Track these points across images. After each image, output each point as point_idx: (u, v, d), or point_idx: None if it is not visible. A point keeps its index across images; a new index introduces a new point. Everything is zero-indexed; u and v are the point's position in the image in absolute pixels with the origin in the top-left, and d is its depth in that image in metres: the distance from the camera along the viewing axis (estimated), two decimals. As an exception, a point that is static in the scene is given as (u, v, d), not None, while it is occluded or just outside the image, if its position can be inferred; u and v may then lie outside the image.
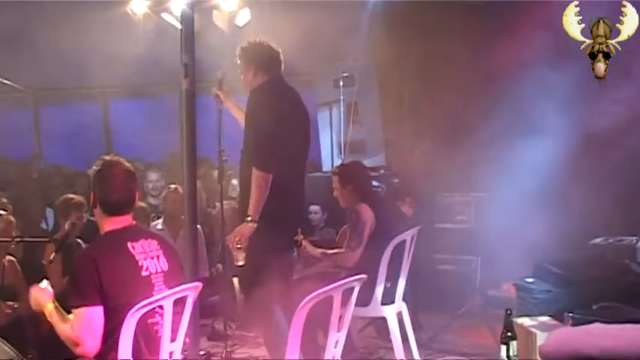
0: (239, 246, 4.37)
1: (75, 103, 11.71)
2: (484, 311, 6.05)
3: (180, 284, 3.22)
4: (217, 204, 6.36)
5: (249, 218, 4.34)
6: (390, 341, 4.99)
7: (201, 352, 5.33)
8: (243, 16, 8.18)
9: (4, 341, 4.29)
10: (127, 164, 3.46)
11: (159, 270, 3.31)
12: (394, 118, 8.27)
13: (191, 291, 3.17)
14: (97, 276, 3.09)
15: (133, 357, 3.01)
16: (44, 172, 10.48)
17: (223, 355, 5.55)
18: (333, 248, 5.39)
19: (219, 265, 6.81)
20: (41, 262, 5.37)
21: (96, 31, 8.40)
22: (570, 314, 4.12)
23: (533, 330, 3.88)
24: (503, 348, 3.80)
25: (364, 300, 4.80)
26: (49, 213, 7.65)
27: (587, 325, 3.37)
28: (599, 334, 2.85)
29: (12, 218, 5.63)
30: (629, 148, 5.74)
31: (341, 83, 7.59)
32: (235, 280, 6.04)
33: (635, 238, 5.31)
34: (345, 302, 3.27)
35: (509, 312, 3.83)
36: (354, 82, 7.87)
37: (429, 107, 7.70)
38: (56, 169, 10.38)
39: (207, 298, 6.06)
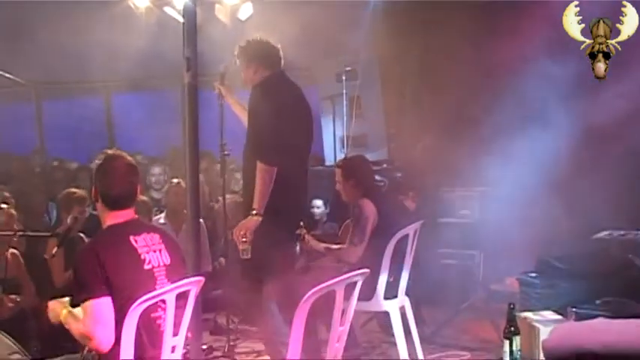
0: (244, 239, 4.38)
1: (77, 96, 11.70)
2: (487, 306, 6.04)
3: (183, 278, 3.22)
4: (220, 198, 6.36)
5: (254, 212, 4.35)
6: (393, 336, 4.98)
7: (204, 347, 5.33)
8: (246, 10, 8.16)
9: (7, 335, 4.28)
10: (129, 158, 3.46)
11: (161, 264, 3.31)
12: (397, 112, 8.27)
13: (193, 285, 3.16)
14: (101, 269, 3.09)
15: (135, 351, 3.01)
16: (47, 166, 10.48)
17: (226, 350, 5.56)
18: (335, 242, 5.39)
19: (222, 259, 6.81)
20: (43, 256, 5.37)
21: (98, 24, 8.39)
22: (574, 309, 4.11)
23: (536, 325, 3.87)
24: (507, 343, 3.80)
25: (367, 294, 4.80)
26: (52, 207, 7.65)
27: (590, 320, 3.36)
28: (603, 329, 2.84)
29: (13, 211, 5.63)
30: (633, 142, 5.73)
31: (343, 77, 7.57)
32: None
33: (638, 232, 5.30)
34: (347, 296, 3.27)
35: (512, 306, 3.83)
36: (356, 76, 7.85)
37: (431, 101, 7.69)
38: (59, 163, 10.38)
39: (209, 292, 6.05)
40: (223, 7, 8.13)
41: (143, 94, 11.52)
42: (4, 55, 8.98)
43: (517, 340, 3.81)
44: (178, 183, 6.67)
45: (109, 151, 3.49)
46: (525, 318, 4.00)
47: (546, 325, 3.82)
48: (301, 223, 4.85)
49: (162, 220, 6.76)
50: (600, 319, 3.50)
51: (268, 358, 4.81)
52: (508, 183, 5.74)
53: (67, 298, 3.30)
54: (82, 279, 3.13)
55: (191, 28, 4.42)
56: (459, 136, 6.74)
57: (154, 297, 2.98)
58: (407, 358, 4.94)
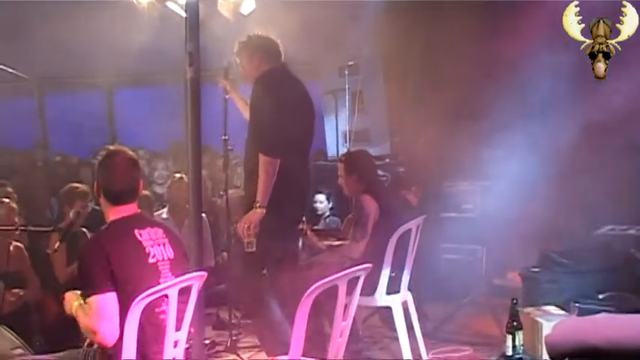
0: (249, 232, 4.39)
1: (79, 91, 11.69)
2: (489, 301, 6.04)
3: (186, 273, 3.22)
4: (222, 192, 6.36)
5: (258, 204, 4.36)
6: (395, 330, 4.98)
7: (206, 341, 5.33)
8: (248, 5, 8.13)
9: (10, 330, 4.29)
10: (130, 153, 3.47)
11: (165, 258, 3.32)
12: (399, 107, 8.24)
13: (196, 280, 3.16)
14: (106, 263, 3.09)
15: (138, 346, 3.01)
16: (49, 161, 10.49)
17: (228, 344, 5.56)
18: (338, 237, 5.39)
19: (225, 254, 6.81)
20: (46, 250, 5.38)
21: (100, 19, 8.38)
22: (576, 304, 4.12)
23: (539, 320, 3.87)
24: (509, 337, 3.81)
25: (369, 289, 4.80)
26: (54, 202, 7.66)
27: (593, 315, 3.36)
28: (606, 324, 2.84)
29: (14, 205, 5.64)
30: (634, 137, 5.72)
31: (346, 72, 7.57)
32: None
33: (641, 227, 5.30)
34: (350, 291, 3.26)
35: (515, 301, 3.83)
36: (358, 71, 7.84)
37: (433, 96, 7.67)
38: (61, 158, 10.39)
39: (212, 287, 6.05)
40: (226, 1, 8.09)
41: (145, 89, 11.51)
42: (6, 50, 8.97)
43: (520, 335, 3.82)
44: (181, 178, 6.67)
45: (111, 147, 3.50)
46: (528, 313, 4.01)
47: (549, 320, 3.82)
48: (303, 218, 4.85)
49: (164, 215, 6.76)
50: (603, 314, 3.50)
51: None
52: (510, 177, 5.74)
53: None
54: (87, 274, 3.14)
55: (193, 23, 4.42)
56: (462, 130, 6.73)
57: (156, 292, 2.98)
58: (409, 353, 4.94)
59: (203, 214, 5.22)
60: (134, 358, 2.99)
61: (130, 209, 3.38)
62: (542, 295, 4.47)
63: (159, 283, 3.13)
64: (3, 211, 5.44)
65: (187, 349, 3.50)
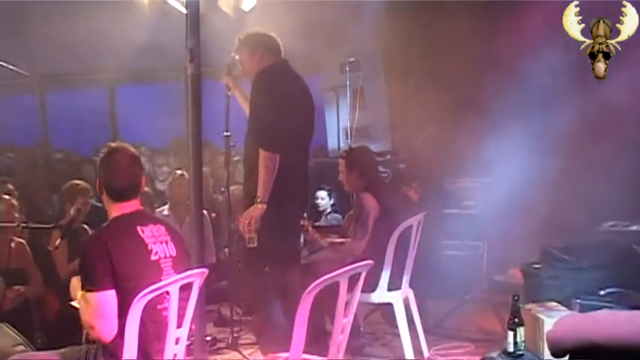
0: (251, 228, 4.39)
1: (81, 88, 11.70)
2: (491, 297, 6.04)
3: (187, 270, 3.22)
4: (223, 189, 6.35)
5: (259, 200, 4.36)
6: (397, 327, 4.98)
7: (208, 338, 5.33)
8: (249, 1, 8.13)
9: (12, 327, 4.30)
10: (132, 149, 3.47)
11: (167, 255, 3.32)
12: (400, 103, 8.24)
13: (197, 277, 3.16)
14: (109, 259, 3.10)
15: (140, 343, 3.02)
16: (50, 158, 10.49)
17: (229, 341, 5.56)
18: (339, 234, 5.39)
19: (226, 250, 6.81)
20: (47, 247, 5.38)
21: (101, 16, 8.37)
22: (578, 300, 4.11)
23: (540, 316, 3.86)
24: (511, 334, 3.81)
25: (371, 286, 4.80)
26: (56, 199, 7.66)
27: (595, 312, 3.35)
28: (608, 321, 2.83)
29: (14, 201, 5.64)
30: (635, 133, 5.71)
31: (347, 68, 7.56)
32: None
33: (643, 223, 5.29)
34: (351, 288, 3.26)
35: (516, 298, 3.83)
36: (360, 67, 7.83)
37: (435, 92, 7.67)
38: (63, 155, 10.40)
39: (214, 283, 6.05)
40: (226, -3, 8.10)
41: (147, 86, 11.51)
42: (8, 48, 8.97)
43: (521, 332, 3.81)
44: (182, 174, 6.67)
45: (113, 144, 3.51)
46: (529, 309, 4.00)
47: (550, 316, 3.81)
48: (304, 215, 4.85)
49: (165, 212, 6.76)
50: (605, 311, 3.49)
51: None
52: (512, 174, 5.73)
53: None
54: (87, 269, 3.15)
55: (194, 19, 4.41)
56: (463, 126, 6.73)
57: (157, 289, 2.98)
58: (410, 349, 4.94)
59: (204, 211, 5.22)
60: (135, 355, 3.00)
61: (132, 206, 3.38)
62: (543, 292, 4.46)
63: (160, 281, 3.13)
64: (3, 207, 5.44)
65: (189, 345, 3.50)
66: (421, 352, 5.15)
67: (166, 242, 3.36)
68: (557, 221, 5.91)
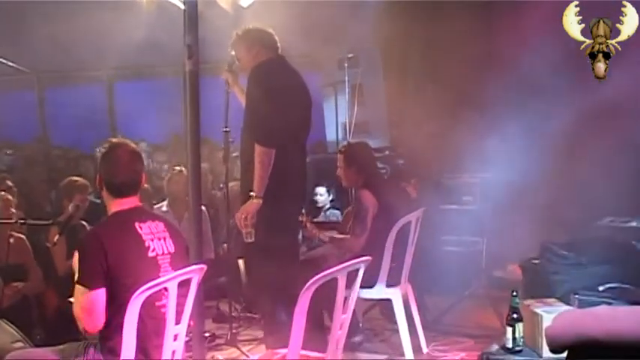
0: (247, 223, 4.39)
1: (80, 85, 11.68)
2: (490, 293, 6.04)
3: (186, 267, 3.22)
4: (222, 185, 6.35)
5: (254, 195, 4.36)
6: (396, 323, 4.98)
7: (206, 334, 5.33)
8: (248, -3, 8.12)
9: (10, 323, 4.29)
10: (133, 145, 3.48)
11: (165, 252, 3.32)
12: (399, 99, 8.23)
13: (195, 273, 3.16)
14: (104, 256, 3.10)
15: (138, 339, 3.01)
16: (49, 154, 10.49)
17: (228, 337, 5.55)
18: (338, 230, 5.39)
19: (225, 246, 6.81)
20: (46, 244, 5.37)
21: (99, 12, 8.36)
22: (577, 296, 4.11)
23: (539, 312, 3.86)
24: (509, 330, 3.81)
25: (369, 281, 4.80)
26: (54, 195, 7.66)
27: (594, 307, 3.35)
28: (606, 317, 2.83)
29: (10, 196, 5.65)
30: (635, 128, 5.71)
31: (345, 64, 7.55)
32: (240, 261, 6.04)
33: (642, 219, 5.28)
34: (350, 284, 3.26)
35: (515, 293, 3.83)
36: (358, 64, 7.83)
37: (433, 88, 7.66)
38: (61, 152, 10.39)
39: (212, 279, 6.05)
40: (225, -7, 8.08)
41: (146, 82, 11.50)
42: (6, 44, 8.96)
43: (520, 327, 3.82)
44: (180, 171, 6.66)
45: (114, 140, 3.51)
46: (528, 305, 4.00)
47: (549, 312, 3.81)
48: (303, 211, 4.85)
49: (164, 208, 6.76)
50: (604, 306, 3.49)
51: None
52: (511, 169, 5.73)
53: None
54: (82, 264, 3.16)
55: (192, 15, 4.40)
56: (462, 123, 6.72)
57: (155, 285, 2.98)
58: (409, 345, 4.94)
59: (203, 207, 5.21)
60: (133, 351, 2.99)
61: (131, 202, 3.39)
62: (542, 287, 4.46)
63: (158, 277, 3.13)
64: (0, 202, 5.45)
65: (187, 342, 3.50)
66: (420, 348, 5.16)
67: (164, 239, 3.36)
68: (557, 217, 5.91)
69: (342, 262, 3.24)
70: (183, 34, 4.30)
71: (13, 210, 5.50)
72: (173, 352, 3.15)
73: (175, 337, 3.15)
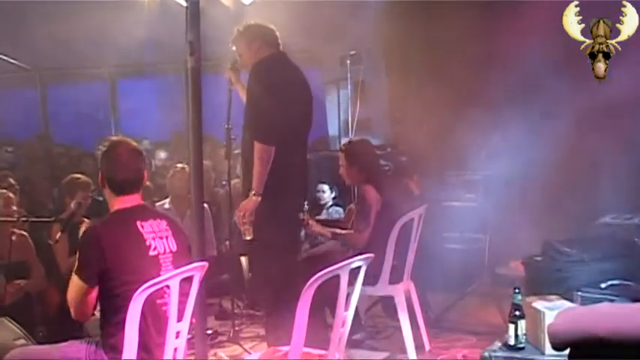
0: (245, 220, 4.39)
1: (82, 82, 11.68)
2: (492, 290, 6.04)
3: (188, 265, 3.22)
4: (224, 182, 6.35)
5: (253, 192, 4.36)
6: (398, 320, 4.98)
7: (209, 332, 5.33)
8: (250, -7, 8.11)
9: (13, 321, 4.30)
10: (134, 143, 3.48)
11: (167, 250, 3.32)
12: (401, 96, 8.23)
13: (197, 270, 3.16)
14: (102, 253, 3.12)
15: (140, 337, 3.01)
16: (51, 151, 10.49)
17: (231, 334, 5.56)
18: (340, 227, 5.38)
19: (228, 243, 6.81)
20: (48, 241, 5.37)
21: (101, 9, 8.36)
22: (579, 293, 4.10)
23: (541, 309, 3.85)
24: (512, 327, 3.80)
25: (372, 279, 4.80)
26: (56, 193, 7.66)
27: (596, 304, 3.34)
28: (609, 313, 2.82)
29: (11, 194, 5.65)
30: (636, 125, 5.70)
31: (348, 61, 7.55)
32: (243, 259, 6.05)
33: (644, 216, 5.28)
34: (352, 281, 3.26)
35: (517, 290, 3.82)
36: (360, 60, 7.82)
37: (435, 85, 7.66)
38: (64, 150, 10.39)
39: (215, 276, 6.05)
40: (226, -10, 8.07)
41: (147, 79, 11.49)
42: (8, 42, 8.96)
43: (522, 324, 3.81)
44: (182, 168, 6.66)
45: (114, 138, 3.51)
46: (530, 302, 3.99)
47: (551, 309, 3.80)
48: (305, 208, 4.84)
49: (166, 206, 6.76)
50: (606, 303, 3.48)
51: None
52: (513, 166, 5.72)
53: None
54: (80, 259, 3.19)
55: (194, 12, 4.39)
56: (464, 119, 6.71)
57: (157, 283, 2.98)
58: (412, 342, 4.94)
59: (205, 204, 5.21)
60: (136, 349, 3.00)
61: (133, 200, 3.38)
62: (545, 284, 4.45)
63: (159, 276, 3.12)
64: (1, 201, 5.45)
65: (189, 339, 3.50)
66: (422, 346, 5.15)
67: (167, 237, 3.35)
68: (559, 214, 5.91)
69: (345, 260, 3.23)
70: (184, 31, 4.29)
71: (14, 207, 5.50)
72: (175, 350, 3.15)
73: (177, 335, 3.15)
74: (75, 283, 3.18)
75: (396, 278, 5.02)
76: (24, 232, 5.42)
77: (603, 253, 4.51)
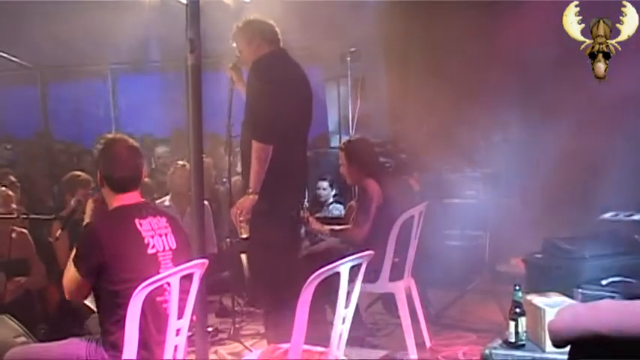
0: (241, 219, 4.39)
1: (82, 80, 11.68)
2: (493, 287, 6.04)
3: (188, 262, 3.21)
4: (225, 179, 6.34)
5: (250, 190, 4.36)
6: (398, 317, 4.98)
7: (209, 329, 5.33)
8: (250, -9, 8.10)
9: (13, 318, 4.30)
10: (131, 140, 3.47)
11: (166, 248, 3.31)
12: (401, 93, 8.23)
13: (197, 268, 3.15)
14: (100, 251, 3.12)
15: (140, 335, 3.01)
16: (51, 149, 10.49)
17: (231, 332, 5.56)
18: (340, 224, 5.38)
19: (228, 240, 6.81)
20: (48, 239, 5.37)
21: (102, 6, 8.36)
22: (580, 290, 4.10)
23: (542, 306, 3.85)
24: (512, 324, 3.80)
25: (372, 276, 4.80)
26: (57, 190, 7.67)
27: (597, 302, 3.34)
28: (610, 311, 2.82)
29: (10, 192, 5.65)
30: (637, 123, 5.70)
31: (348, 58, 7.54)
32: (243, 256, 6.04)
33: (645, 213, 5.28)
34: (352, 278, 3.25)
35: (517, 288, 3.82)
36: (360, 58, 7.82)
37: (435, 82, 7.66)
38: (64, 147, 10.39)
39: (215, 274, 6.05)
40: (227, -13, 8.06)
41: (148, 77, 11.49)
42: (8, 40, 8.96)
43: (522, 322, 3.80)
44: (183, 165, 6.66)
45: (109, 135, 3.50)
46: (531, 299, 3.99)
47: (552, 306, 3.80)
48: (305, 206, 4.83)
49: (167, 203, 6.76)
50: (607, 300, 3.48)
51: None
52: (513, 163, 5.72)
53: None
54: (78, 254, 3.20)
55: (194, 9, 4.38)
56: (464, 117, 6.71)
57: (157, 280, 2.97)
58: (412, 339, 4.94)
59: (205, 202, 5.21)
60: (136, 346, 2.99)
61: (132, 197, 3.38)
62: (545, 281, 4.44)
63: (158, 274, 3.12)
64: (0, 199, 5.45)
65: (190, 336, 3.50)
66: (423, 343, 5.16)
67: (166, 235, 3.35)
68: (560, 211, 5.91)
69: (345, 257, 3.23)
70: (185, 28, 4.29)
71: (15, 205, 5.50)
72: (175, 347, 3.14)
73: (178, 332, 3.14)
74: (71, 273, 3.20)
75: (396, 275, 5.02)
76: (24, 230, 5.42)
77: (604, 250, 4.51)
